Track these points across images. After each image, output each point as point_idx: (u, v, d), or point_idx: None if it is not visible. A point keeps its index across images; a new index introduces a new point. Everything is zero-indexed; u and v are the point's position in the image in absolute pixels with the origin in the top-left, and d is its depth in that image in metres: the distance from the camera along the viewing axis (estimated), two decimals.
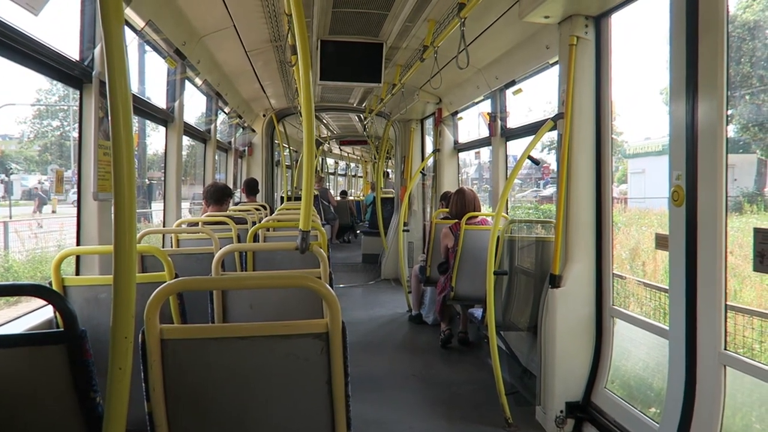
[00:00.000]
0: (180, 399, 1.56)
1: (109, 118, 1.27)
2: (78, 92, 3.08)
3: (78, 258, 3.10)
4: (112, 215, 1.31)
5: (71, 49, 2.96)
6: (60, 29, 3.17)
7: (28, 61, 2.59)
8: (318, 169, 16.34)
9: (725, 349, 2.57)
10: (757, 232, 2.30)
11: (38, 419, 1.47)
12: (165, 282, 1.59)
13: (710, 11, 2.54)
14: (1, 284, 1.47)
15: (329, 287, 1.61)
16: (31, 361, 1.44)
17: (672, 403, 2.77)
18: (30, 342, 1.45)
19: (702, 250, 2.62)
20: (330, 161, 21.62)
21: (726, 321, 2.60)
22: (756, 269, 2.33)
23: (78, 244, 3.09)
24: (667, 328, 2.89)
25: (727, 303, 2.61)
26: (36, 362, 1.44)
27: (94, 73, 3.01)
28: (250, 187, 6.92)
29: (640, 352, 4.07)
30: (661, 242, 3.00)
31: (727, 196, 2.58)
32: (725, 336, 2.59)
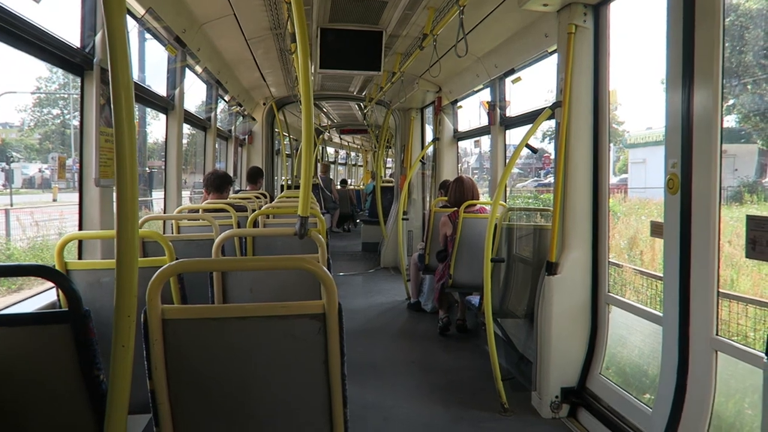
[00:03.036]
0: (181, 377, 1.60)
1: (112, 105, 1.30)
2: (79, 79, 3.10)
3: (80, 243, 3.14)
4: (114, 201, 1.34)
5: (72, 36, 2.98)
6: (61, 16, 3.19)
7: (30, 48, 2.62)
8: (319, 157, 16.38)
9: (717, 334, 2.61)
10: (750, 219, 2.33)
11: (44, 396, 1.52)
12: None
13: (707, 1, 2.55)
14: (8, 265, 1.51)
15: (326, 270, 1.65)
16: (36, 339, 1.48)
17: (665, 388, 2.82)
18: (36, 321, 1.49)
19: (696, 238, 2.66)
20: (330, 150, 21.61)
21: (719, 307, 2.65)
22: (748, 256, 2.36)
23: (80, 229, 3.13)
24: (661, 314, 2.94)
25: (723, 291, 2.65)
26: (41, 341, 1.48)
27: (95, 60, 3.04)
28: (251, 175, 6.96)
29: (636, 339, 4.12)
30: (656, 230, 3.03)
31: (721, 185, 2.61)
32: (717, 322, 2.64)
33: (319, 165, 14.16)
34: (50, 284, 3.02)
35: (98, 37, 3.06)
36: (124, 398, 1.33)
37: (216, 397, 1.66)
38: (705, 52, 2.58)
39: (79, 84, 3.11)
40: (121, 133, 1.30)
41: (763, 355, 2.10)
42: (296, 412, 1.71)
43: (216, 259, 2.47)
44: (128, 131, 1.31)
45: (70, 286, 1.47)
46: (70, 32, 2.97)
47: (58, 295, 2.42)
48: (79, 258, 3.13)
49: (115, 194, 1.34)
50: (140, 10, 3.61)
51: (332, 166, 22.37)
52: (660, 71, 2.86)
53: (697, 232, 2.65)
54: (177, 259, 2.53)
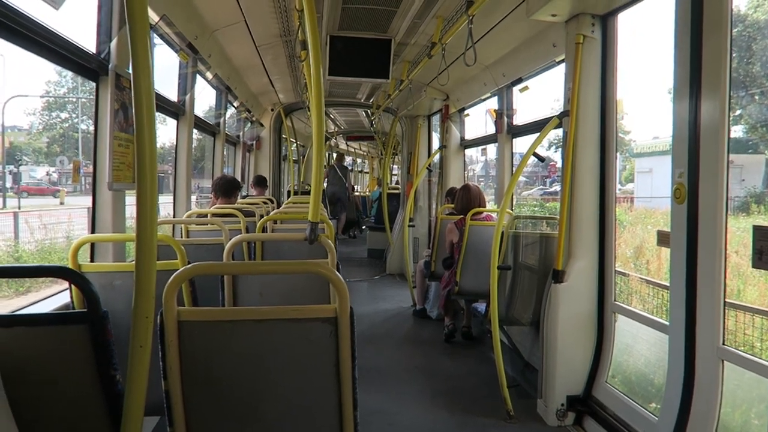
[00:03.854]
0: (195, 378, 1.63)
1: (133, 111, 1.34)
2: (88, 83, 3.15)
3: (92, 246, 3.18)
4: (127, 204, 1.37)
5: (88, 42, 3.04)
6: (77, 22, 3.25)
7: (47, 53, 2.67)
8: (326, 164, 16.47)
9: (723, 344, 2.62)
10: (756, 229, 2.35)
11: (61, 395, 1.55)
12: (178, 269, 1.67)
13: (715, 12, 2.58)
14: (29, 266, 1.55)
15: (338, 274, 1.68)
16: (54, 340, 1.52)
17: (671, 396, 2.82)
18: (55, 321, 1.52)
19: (702, 247, 2.67)
20: None
21: (725, 316, 2.66)
22: (755, 266, 2.38)
23: (92, 231, 3.17)
24: (667, 323, 2.95)
25: (730, 301, 2.66)
26: (59, 341, 1.52)
27: (110, 65, 3.09)
28: (257, 182, 7.27)
29: (642, 348, 4.12)
30: (662, 239, 3.05)
31: (727, 195, 2.63)
32: (724, 331, 2.64)
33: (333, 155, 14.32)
34: (60, 287, 3.07)
35: (113, 43, 3.12)
36: (141, 398, 1.36)
37: (229, 399, 1.69)
38: (712, 62, 2.60)
39: (94, 89, 3.16)
40: (142, 138, 1.33)
41: None
42: (307, 414, 1.74)
43: (232, 263, 2.50)
44: (149, 137, 1.34)
45: (89, 288, 1.50)
46: (85, 37, 3.03)
47: (71, 297, 2.46)
48: (91, 260, 3.17)
49: (129, 198, 1.38)
50: (155, 17, 3.67)
51: None
52: (667, 81, 2.89)
53: (704, 241, 2.67)
54: (188, 262, 2.56)
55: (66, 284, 2.73)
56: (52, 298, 3.00)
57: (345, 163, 15.52)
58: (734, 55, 2.60)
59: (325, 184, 13.28)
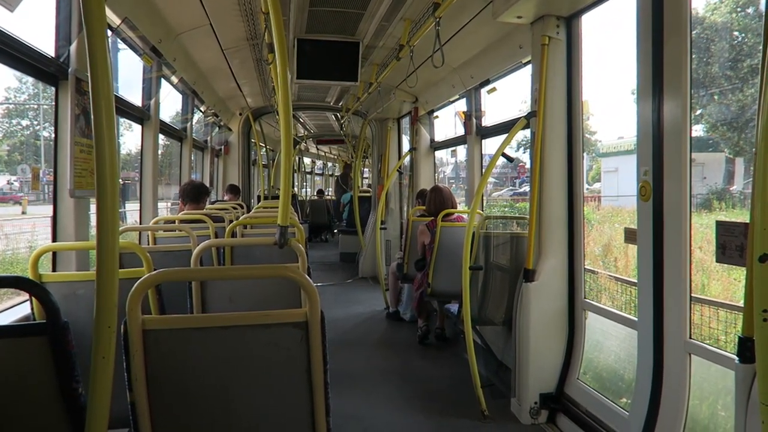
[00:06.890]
0: (162, 388, 1.59)
1: (92, 116, 1.29)
2: (51, 89, 3.06)
3: (54, 255, 3.09)
4: (90, 212, 1.33)
5: (47, 46, 2.95)
6: (35, 25, 3.15)
7: (3, 57, 2.58)
8: (296, 168, 16.41)
9: (690, 337, 2.68)
10: (719, 224, 2.39)
11: (21, 410, 1.49)
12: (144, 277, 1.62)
13: (675, 15, 2.64)
14: None
15: (308, 277, 1.66)
16: (12, 352, 1.46)
17: (641, 391, 2.87)
18: (12, 334, 1.46)
19: (668, 243, 2.73)
20: (307, 160, 21.60)
21: (691, 311, 2.71)
22: (718, 260, 2.42)
23: (54, 240, 3.08)
24: (636, 319, 3.00)
25: (695, 295, 2.71)
26: (19, 353, 1.46)
27: (70, 70, 3.00)
28: (232, 189, 7.38)
29: (612, 344, 4.18)
30: (630, 236, 3.10)
31: (691, 192, 2.69)
32: (690, 325, 2.70)
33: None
34: (21, 298, 2.97)
35: (73, 47, 3.03)
36: (104, 411, 1.32)
37: (197, 408, 1.65)
38: (674, 63, 2.65)
39: (53, 94, 3.07)
40: (102, 144, 1.29)
41: (734, 357, 2.15)
42: (279, 421, 1.71)
43: (198, 268, 2.45)
44: (108, 142, 1.30)
45: (48, 298, 1.45)
46: (44, 41, 2.94)
47: (32, 308, 2.37)
48: (53, 270, 3.08)
49: (92, 205, 1.33)
50: (116, 20, 3.59)
51: (308, 176, 22.44)
52: (630, 82, 2.94)
53: (669, 237, 2.72)
54: (155, 269, 2.49)
55: (27, 295, 2.65)
56: (11, 309, 2.90)
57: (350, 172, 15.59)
58: (694, 56, 2.66)
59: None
